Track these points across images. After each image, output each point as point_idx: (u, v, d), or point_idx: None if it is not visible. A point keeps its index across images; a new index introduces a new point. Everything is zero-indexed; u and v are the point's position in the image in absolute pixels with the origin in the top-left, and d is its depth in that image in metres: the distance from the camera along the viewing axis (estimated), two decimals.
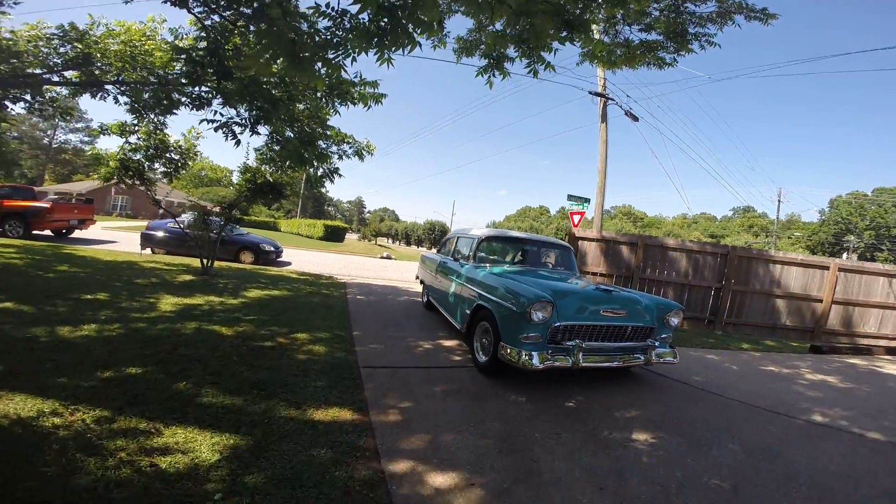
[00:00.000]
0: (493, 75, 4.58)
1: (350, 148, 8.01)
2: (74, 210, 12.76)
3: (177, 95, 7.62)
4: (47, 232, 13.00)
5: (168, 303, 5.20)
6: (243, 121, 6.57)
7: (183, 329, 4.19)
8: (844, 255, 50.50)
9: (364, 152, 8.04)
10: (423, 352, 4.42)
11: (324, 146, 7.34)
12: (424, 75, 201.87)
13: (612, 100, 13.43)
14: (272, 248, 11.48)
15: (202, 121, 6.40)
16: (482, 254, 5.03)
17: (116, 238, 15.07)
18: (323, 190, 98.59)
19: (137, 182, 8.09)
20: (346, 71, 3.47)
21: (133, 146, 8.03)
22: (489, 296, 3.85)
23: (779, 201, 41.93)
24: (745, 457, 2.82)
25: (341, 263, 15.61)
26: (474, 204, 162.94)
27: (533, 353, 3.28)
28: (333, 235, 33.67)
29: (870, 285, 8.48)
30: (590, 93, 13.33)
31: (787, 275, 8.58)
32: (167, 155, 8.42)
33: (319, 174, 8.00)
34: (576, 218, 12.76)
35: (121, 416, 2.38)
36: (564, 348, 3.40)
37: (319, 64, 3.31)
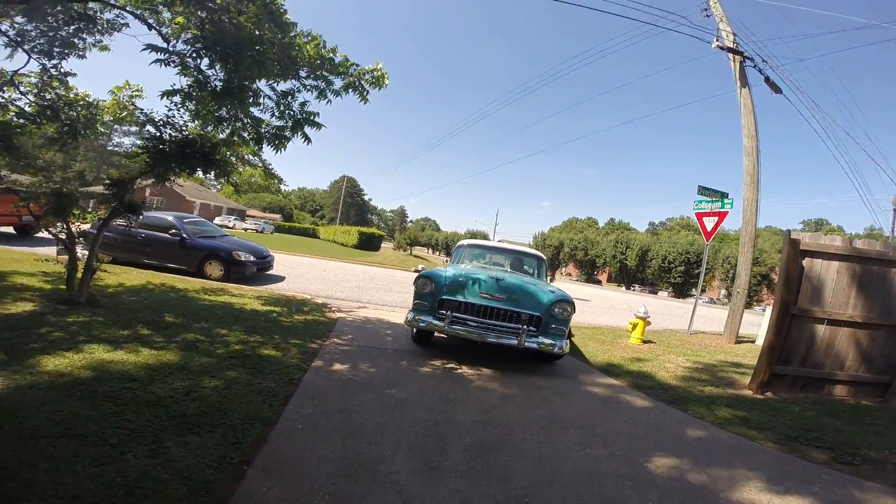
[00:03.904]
0: None
1: (339, 78, 4.28)
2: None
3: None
4: (9, 229, 10.71)
5: None
6: None
7: None
8: None
9: (365, 84, 4.28)
10: None
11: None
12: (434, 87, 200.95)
13: (749, 59, 9.16)
14: (251, 259, 7.94)
15: None
16: (460, 257, 5.87)
17: None
18: (366, 198, 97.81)
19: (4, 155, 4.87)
20: None
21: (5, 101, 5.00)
22: None
23: (894, 210, 33.97)
24: None
25: (360, 279, 11.89)
26: (519, 215, 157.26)
27: (422, 317, 4.18)
28: (368, 244, 30.76)
29: None
30: (720, 48, 9.12)
31: None
32: (66, 112, 5.31)
33: (275, 126, 4.34)
34: (709, 222, 8.25)
35: None
36: (443, 317, 4.12)
37: None
